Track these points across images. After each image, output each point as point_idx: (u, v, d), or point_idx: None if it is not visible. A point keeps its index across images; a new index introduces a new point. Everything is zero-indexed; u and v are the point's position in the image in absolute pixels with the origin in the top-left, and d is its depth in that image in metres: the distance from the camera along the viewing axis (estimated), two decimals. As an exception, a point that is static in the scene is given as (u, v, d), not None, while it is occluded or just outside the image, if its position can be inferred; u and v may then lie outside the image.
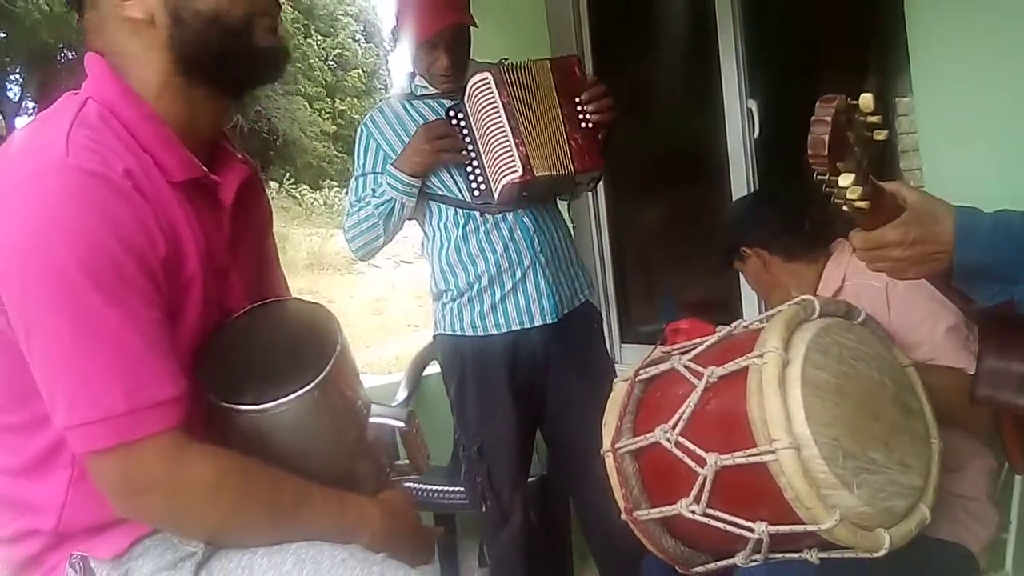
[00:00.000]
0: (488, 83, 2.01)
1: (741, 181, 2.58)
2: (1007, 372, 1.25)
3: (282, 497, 0.98)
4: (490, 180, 2.04)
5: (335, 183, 19.74)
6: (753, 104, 2.57)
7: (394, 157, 2.09)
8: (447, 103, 2.10)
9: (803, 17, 2.77)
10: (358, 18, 22.78)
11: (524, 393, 2.15)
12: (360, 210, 2.12)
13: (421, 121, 2.11)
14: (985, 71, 1.80)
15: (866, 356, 1.31)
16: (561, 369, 2.16)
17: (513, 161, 1.98)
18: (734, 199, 2.52)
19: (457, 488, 2.46)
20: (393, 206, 2.08)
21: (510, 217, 2.10)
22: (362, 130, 2.16)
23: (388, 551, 1.03)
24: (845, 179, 1.01)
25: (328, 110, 21.58)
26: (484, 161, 2.04)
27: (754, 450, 1.18)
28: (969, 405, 1.29)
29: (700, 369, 1.31)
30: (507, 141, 1.99)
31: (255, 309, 1.08)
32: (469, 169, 2.06)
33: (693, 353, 1.38)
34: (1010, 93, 1.77)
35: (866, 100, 1.02)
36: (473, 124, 2.04)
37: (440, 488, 2.60)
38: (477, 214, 2.09)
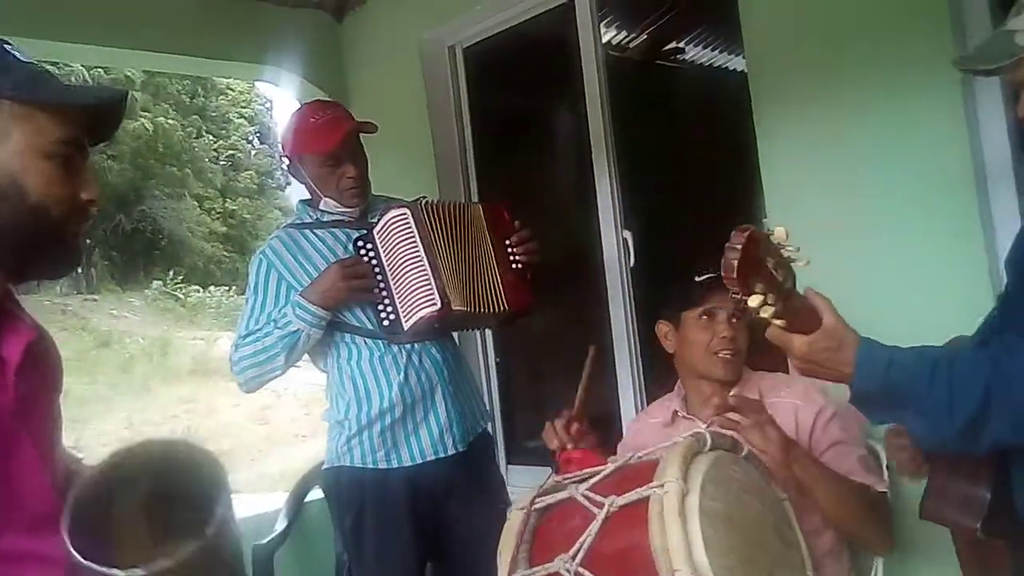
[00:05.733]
0: (406, 218, 2.02)
1: (619, 306, 2.70)
2: (952, 491, 1.32)
3: None
4: (400, 312, 2.02)
5: (224, 284, 19.21)
6: (628, 235, 2.70)
7: (298, 287, 2.04)
8: (352, 232, 2.09)
9: (674, 155, 2.98)
10: (252, 120, 22.77)
11: (422, 528, 2.10)
12: (260, 339, 2.03)
13: (324, 249, 2.09)
14: (829, 194, 2.05)
15: (751, 488, 1.38)
16: (463, 499, 2.12)
17: (431, 295, 1.98)
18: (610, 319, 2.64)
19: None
20: (299, 338, 2.01)
21: (417, 346, 2.09)
22: (261, 259, 2.09)
23: None
24: (754, 300, 1.12)
25: (219, 210, 21.21)
26: (394, 294, 2.03)
27: (656, 581, 1.20)
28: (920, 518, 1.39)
29: (600, 498, 1.32)
30: (425, 275, 1.99)
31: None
32: (379, 302, 2.05)
33: (591, 482, 1.40)
34: (851, 214, 2.01)
35: (778, 233, 1.17)
36: (383, 257, 2.04)
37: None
38: (383, 344, 2.07)
